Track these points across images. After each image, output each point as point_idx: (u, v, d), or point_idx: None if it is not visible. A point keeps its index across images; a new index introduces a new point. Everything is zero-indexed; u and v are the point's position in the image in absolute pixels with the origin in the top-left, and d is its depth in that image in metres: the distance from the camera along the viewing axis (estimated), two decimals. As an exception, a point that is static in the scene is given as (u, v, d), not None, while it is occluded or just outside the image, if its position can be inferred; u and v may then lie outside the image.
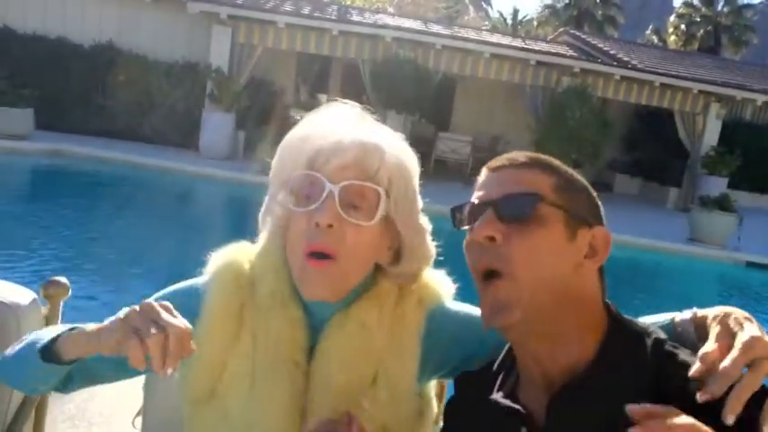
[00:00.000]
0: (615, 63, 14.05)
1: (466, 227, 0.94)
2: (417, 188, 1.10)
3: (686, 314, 0.95)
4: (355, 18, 14.05)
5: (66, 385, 1.11)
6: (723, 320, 0.84)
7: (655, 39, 39.00)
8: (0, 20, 12.24)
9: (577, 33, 18.39)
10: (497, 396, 0.95)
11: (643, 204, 14.79)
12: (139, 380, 1.34)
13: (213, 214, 9.97)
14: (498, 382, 0.98)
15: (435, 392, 1.32)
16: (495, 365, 1.01)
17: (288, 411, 1.03)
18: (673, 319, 0.97)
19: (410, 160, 1.09)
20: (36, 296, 1.41)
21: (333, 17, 13.54)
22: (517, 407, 0.91)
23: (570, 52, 15.14)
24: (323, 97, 17.50)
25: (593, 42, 16.35)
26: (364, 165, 1.01)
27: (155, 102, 12.23)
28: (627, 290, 7.59)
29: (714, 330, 0.83)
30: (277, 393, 1.03)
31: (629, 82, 13.77)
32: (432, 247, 1.13)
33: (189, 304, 1.05)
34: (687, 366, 0.80)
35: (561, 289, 0.87)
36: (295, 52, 14.09)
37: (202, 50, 12.73)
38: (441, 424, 1.09)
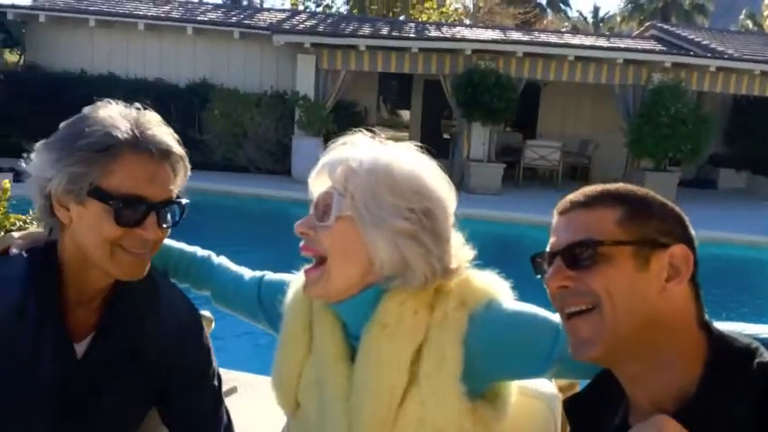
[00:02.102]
0: (709, 54, 13.39)
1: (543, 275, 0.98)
2: (400, 198, 1.10)
3: None
4: (433, 34, 14.15)
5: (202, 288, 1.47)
6: None
7: (750, 24, 36.79)
8: (105, 67, 13.23)
9: (665, 26, 17.67)
10: (609, 426, 0.97)
11: (751, 199, 13.94)
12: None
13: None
14: (611, 408, 0.99)
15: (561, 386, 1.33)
16: (601, 386, 1.02)
17: (339, 415, 1.12)
18: None
19: (390, 171, 1.11)
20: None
21: (411, 35, 13.70)
22: None
23: (659, 47, 14.58)
24: (405, 113, 17.68)
25: (683, 34, 15.65)
26: (328, 176, 1.14)
27: (247, 132, 12.78)
28: (737, 291, 7.20)
29: None
30: (331, 400, 1.14)
31: (725, 73, 13.07)
32: (428, 256, 1.11)
33: (277, 297, 1.29)
34: None
35: (645, 318, 0.88)
36: (377, 72, 14.33)
37: (289, 79, 13.21)
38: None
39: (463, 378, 1.10)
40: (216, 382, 1.36)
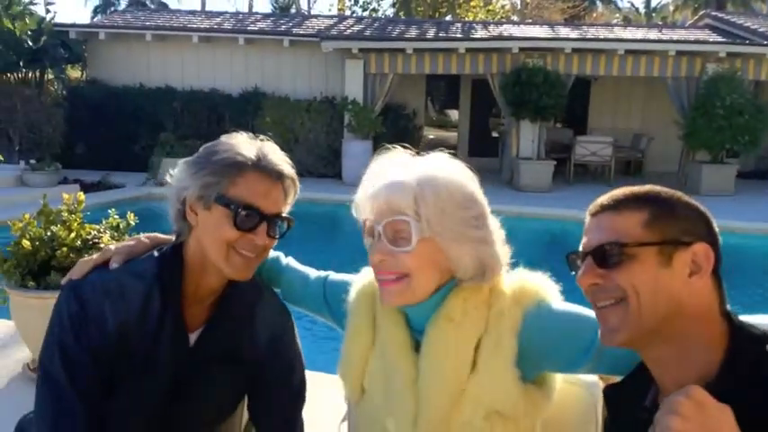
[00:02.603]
0: (765, 42, 12.94)
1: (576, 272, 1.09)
2: (465, 210, 1.24)
3: None
4: (480, 33, 14.14)
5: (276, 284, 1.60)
6: None
7: (813, 6, 35.15)
8: (161, 80, 13.75)
9: (719, 14, 17.14)
10: (639, 408, 1.06)
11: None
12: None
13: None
14: (642, 393, 1.08)
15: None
16: (637, 376, 1.11)
17: (408, 398, 1.27)
18: None
19: (448, 187, 1.24)
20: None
21: (458, 35, 13.73)
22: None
23: (714, 36, 14.18)
24: (454, 113, 17.72)
25: (739, 22, 15.16)
26: (393, 203, 1.22)
27: (298, 138, 13.08)
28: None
29: None
30: (399, 385, 1.28)
31: (784, 60, 12.61)
32: (496, 255, 1.28)
33: (341, 296, 1.45)
34: None
35: (669, 309, 0.98)
36: (424, 74, 14.41)
37: (338, 84, 13.43)
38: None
39: (516, 365, 1.24)
40: (299, 388, 1.52)
